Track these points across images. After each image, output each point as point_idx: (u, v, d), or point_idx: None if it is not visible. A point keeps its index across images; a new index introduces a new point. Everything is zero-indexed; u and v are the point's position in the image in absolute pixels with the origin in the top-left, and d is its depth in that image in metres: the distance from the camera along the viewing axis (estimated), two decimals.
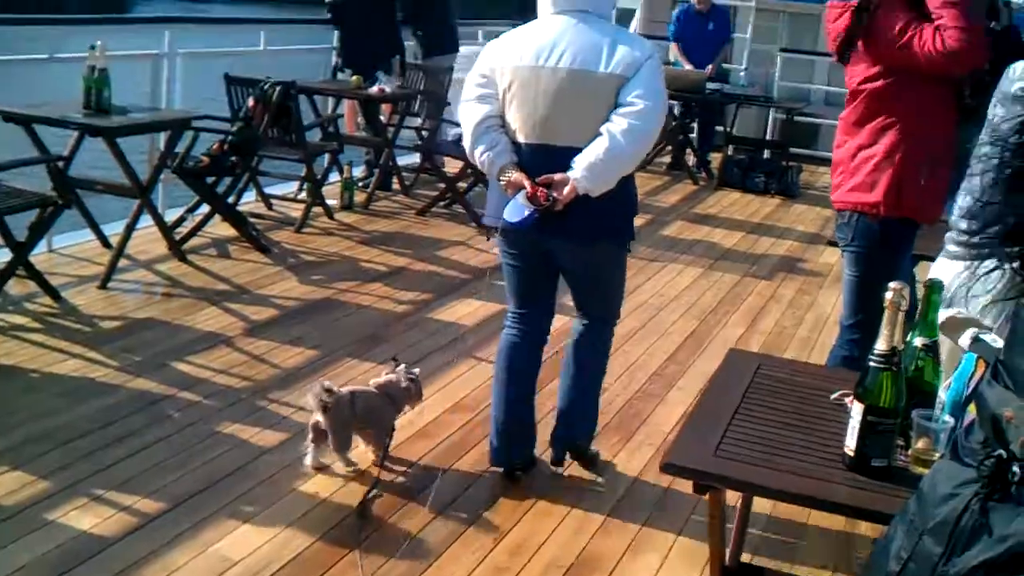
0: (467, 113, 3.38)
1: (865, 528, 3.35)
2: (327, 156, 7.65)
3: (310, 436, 3.58)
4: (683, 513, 3.48)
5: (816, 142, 10.99)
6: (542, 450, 3.81)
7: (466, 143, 3.43)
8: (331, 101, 8.14)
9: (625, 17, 14.08)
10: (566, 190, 3.18)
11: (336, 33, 8.40)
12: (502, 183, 3.31)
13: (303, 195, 7.17)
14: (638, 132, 3.17)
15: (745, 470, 2.12)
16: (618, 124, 3.16)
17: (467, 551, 3.22)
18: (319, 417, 3.51)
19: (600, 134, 3.18)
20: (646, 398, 4.53)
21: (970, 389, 2.10)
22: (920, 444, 2.11)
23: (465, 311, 5.43)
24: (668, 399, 4.55)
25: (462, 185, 7.52)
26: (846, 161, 3.52)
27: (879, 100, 3.37)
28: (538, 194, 3.19)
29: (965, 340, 2.46)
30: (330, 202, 7.21)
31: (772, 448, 2.20)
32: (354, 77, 7.58)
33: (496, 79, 3.33)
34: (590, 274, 3.62)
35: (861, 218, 3.46)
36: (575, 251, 3.47)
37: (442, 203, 7.57)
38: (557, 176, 3.20)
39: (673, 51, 10.37)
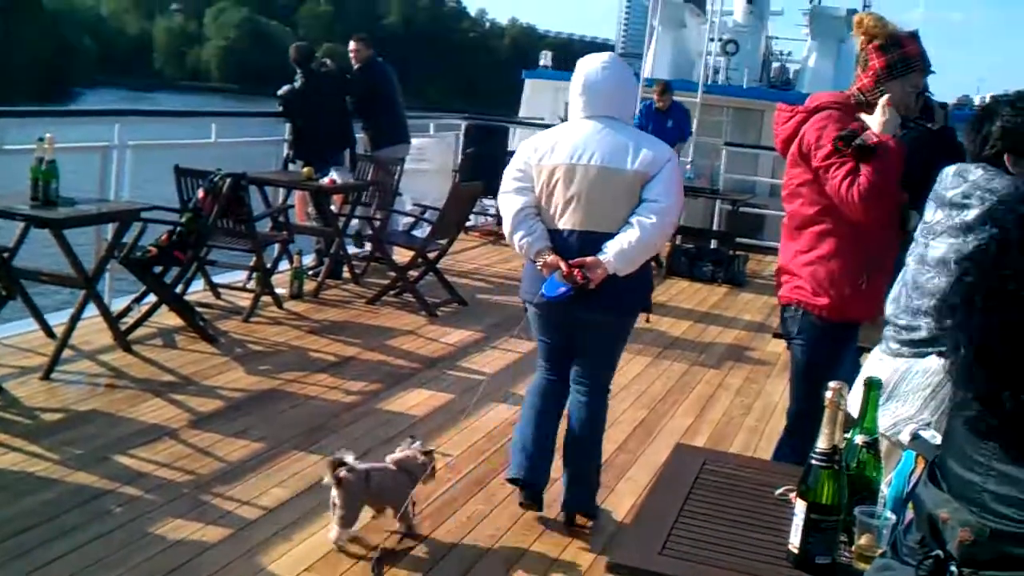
0: (507, 203, 3.90)
1: None
2: (277, 245, 7.66)
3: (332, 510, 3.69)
4: None
5: (762, 232, 11.23)
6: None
7: (506, 229, 3.93)
8: (282, 192, 8.17)
9: None
10: (599, 271, 3.71)
11: (288, 125, 8.47)
12: (539, 264, 3.83)
13: (252, 284, 7.14)
14: (660, 225, 3.75)
15: (691, 569, 2.11)
16: (645, 217, 3.71)
17: None
18: (333, 491, 3.64)
19: (630, 224, 3.73)
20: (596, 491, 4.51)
21: (911, 485, 2.12)
22: (863, 540, 2.12)
23: (415, 401, 5.41)
24: (618, 490, 4.53)
25: (413, 274, 7.55)
26: (788, 263, 3.62)
27: (816, 205, 3.46)
28: (574, 273, 3.70)
29: (905, 437, 2.50)
30: (279, 291, 7.20)
31: (718, 546, 2.20)
32: (305, 168, 7.64)
33: (532, 173, 3.86)
34: (608, 344, 4.14)
35: (806, 314, 3.53)
36: (602, 322, 3.96)
37: (392, 292, 7.58)
38: (589, 259, 3.72)
39: None
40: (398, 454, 3.88)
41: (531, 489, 4.06)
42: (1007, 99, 2.63)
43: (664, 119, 10.45)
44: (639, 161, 3.74)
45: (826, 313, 3.46)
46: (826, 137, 3.31)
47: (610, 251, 3.71)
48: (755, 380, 6.50)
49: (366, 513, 3.84)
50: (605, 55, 4.04)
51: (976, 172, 2.58)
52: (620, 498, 4.42)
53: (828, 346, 3.52)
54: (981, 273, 1.51)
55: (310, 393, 5.41)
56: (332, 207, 8.10)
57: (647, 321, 4.20)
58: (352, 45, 8.63)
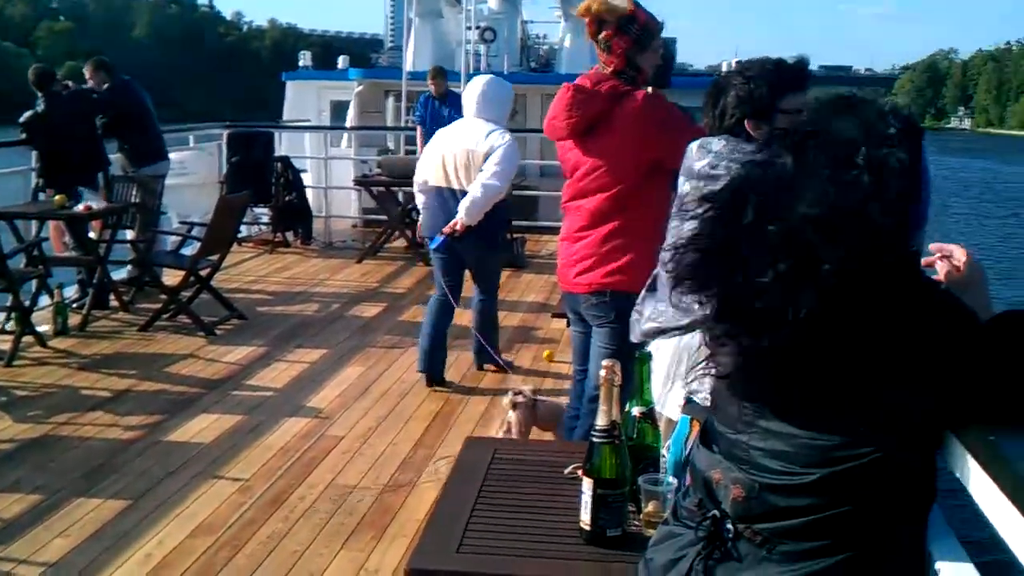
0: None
1: None
2: (34, 281, 7.15)
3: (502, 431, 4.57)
4: None
5: (536, 213, 11.44)
6: None
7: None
8: (35, 224, 7.64)
9: (341, 108, 14.25)
10: (458, 225, 5.49)
11: (34, 153, 7.95)
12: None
13: (11, 325, 6.65)
14: (490, 186, 5.46)
15: (489, 562, 2.10)
16: (478, 181, 5.47)
17: None
18: (510, 413, 4.54)
19: (471, 189, 5.47)
20: (396, 489, 4.47)
21: (688, 449, 2.19)
22: (650, 508, 2.17)
23: (200, 427, 5.19)
24: (419, 486, 4.51)
25: (185, 294, 7.24)
26: (595, 247, 3.71)
27: (615, 192, 3.62)
28: (444, 229, 5.57)
29: (679, 402, 2.58)
30: (41, 329, 6.74)
31: (515, 534, 2.20)
32: (57, 197, 7.19)
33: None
34: (483, 267, 5.98)
35: (617, 297, 3.58)
36: (470, 254, 5.74)
37: (166, 315, 7.25)
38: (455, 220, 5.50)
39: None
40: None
41: (431, 375, 5.95)
42: (735, 71, 2.75)
43: (441, 107, 10.47)
44: (484, 143, 5.49)
45: (635, 288, 3.52)
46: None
47: (461, 210, 5.47)
48: (541, 358, 6.61)
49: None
50: (487, 77, 5.93)
51: (718, 143, 2.68)
52: (421, 495, 4.40)
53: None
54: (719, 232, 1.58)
55: (86, 434, 5.09)
56: (91, 234, 7.66)
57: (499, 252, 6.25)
58: (87, 71, 8.24)
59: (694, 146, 2.75)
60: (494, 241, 5.91)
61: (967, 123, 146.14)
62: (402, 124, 12.59)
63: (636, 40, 3.53)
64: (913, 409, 1.46)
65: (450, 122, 10.43)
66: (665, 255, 2.50)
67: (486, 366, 6.29)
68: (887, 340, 1.45)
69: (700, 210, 1.61)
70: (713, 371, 1.67)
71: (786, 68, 2.70)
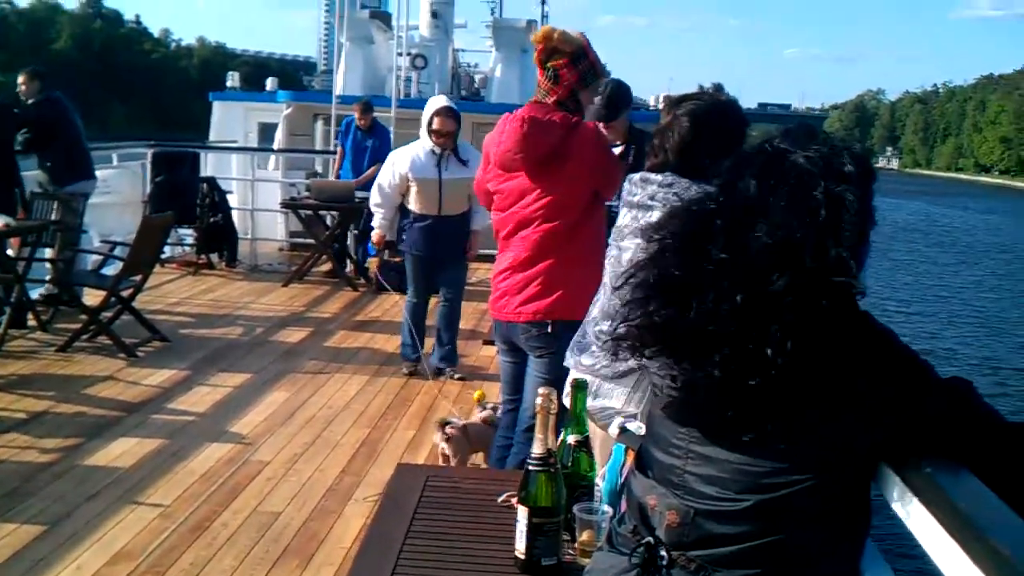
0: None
1: None
2: None
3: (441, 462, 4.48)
4: None
5: None
6: None
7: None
8: None
9: (269, 130, 14.13)
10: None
11: None
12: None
13: None
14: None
15: None
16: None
17: None
18: (443, 445, 4.48)
19: None
20: (323, 516, 4.41)
21: (623, 478, 2.21)
22: (584, 536, 2.19)
23: (120, 451, 5.06)
24: (345, 514, 4.46)
25: (107, 315, 7.08)
26: (541, 276, 3.74)
27: (564, 222, 3.68)
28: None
29: (613, 430, 2.60)
30: None
31: (448, 564, 2.20)
32: None
33: None
34: (458, 270, 6.64)
35: (562, 326, 3.59)
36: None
37: (85, 336, 7.07)
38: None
39: (337, 156, 10.86)
40: (483, 414, 4.78)
41: (411, 362, 6.73)
42: (683, 113, 2.76)
43: (365, 138, 10.48)
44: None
45: (577, 317, 3.55)
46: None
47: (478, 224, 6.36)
48: (471, 386, 6.60)
49: None
50: (442, 98, 6.44)
51: (656, 177, 2.72)
52: (348, 522, 4.35)
53: None
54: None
55: (0, 456, 4.93)
56: (9, 251, 7.45)
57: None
58: (21, 79, 8.03)
59: (636, 178, 2.79)
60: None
61: (895, 163, 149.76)
62: (331, 148, 12.52)
63: (582, 76, 3.64)
64: (847, 441, 1.49)
65: (373, 153, 10.55)
66: (613, 294, 2.54)
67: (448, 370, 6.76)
68: (827, 373, 1.48)
69: (657, 236, 1.63)
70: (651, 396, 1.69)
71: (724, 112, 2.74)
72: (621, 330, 1.65)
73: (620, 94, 5.03)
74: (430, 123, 6.05)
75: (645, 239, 1.70)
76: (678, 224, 1.63)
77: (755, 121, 2.89)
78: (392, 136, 11.49)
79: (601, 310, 2.88)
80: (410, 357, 6.76)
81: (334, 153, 12.09)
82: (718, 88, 2.83)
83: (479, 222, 6.30)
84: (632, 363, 2.70)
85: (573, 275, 3.63)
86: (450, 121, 6.07)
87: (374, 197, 6.51)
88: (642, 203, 2.73)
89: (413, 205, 6.31)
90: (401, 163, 6.27)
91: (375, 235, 6.69)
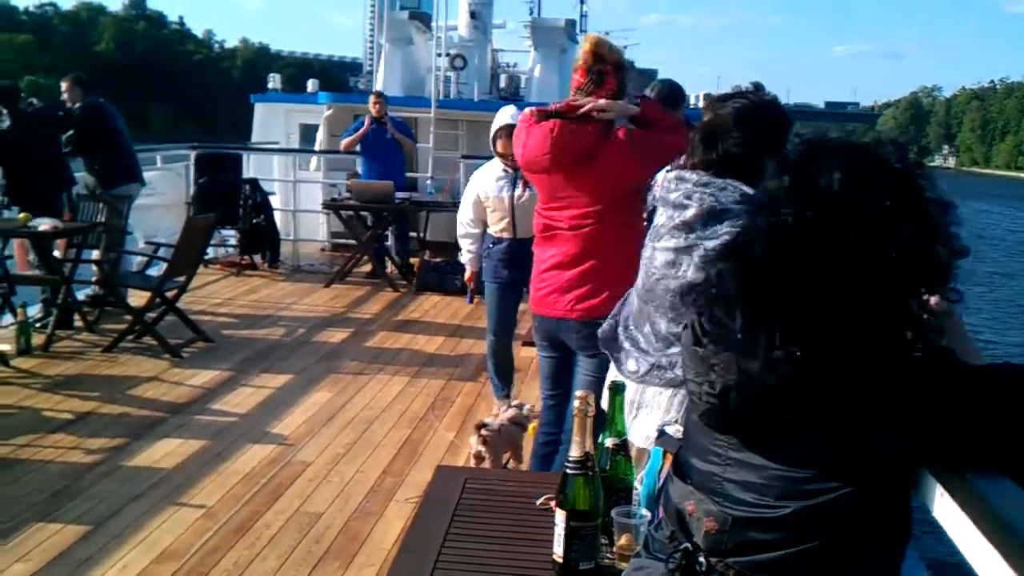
0: None
1: None
2: None
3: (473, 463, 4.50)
4: None
5: None
6: None
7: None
8: None
9: (310, 132, 14.23)
10: None
11: None
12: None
13: None
14: None
15: None
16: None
17: None
18: (480, 447, 4.48)
19: None
20: (364, 517, 4.44)
21: (661, 482, 2.20)
22: (623, 540, 2.18)
23: (164, 452, 5.12)
24: (386, 515, 4.48)
25: (151, 316, 7.17)
26: (591, 275, 3.75)
27: (604, 223, 3.68)
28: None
29: (643, 431, 2.59)
30: (4, 348, 6.66)
31: (486, 565, 2.20)
32: (22, 214, 7.11)
33: None
34: None
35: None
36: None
37: (131, 337, 7.17)
38: None
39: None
40: (510, 412, 4.76)
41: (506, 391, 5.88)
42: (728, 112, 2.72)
43: (383, 131, 10.52)
44: None
45: None
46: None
47: None
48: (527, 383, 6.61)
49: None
50: (507, 112, 5.51)
51: (692, 176, 2.70)
52: (389, 523, 4.37)
53: None
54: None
55: (47, 457, 5.01)
56: (56, 253, 7.58)
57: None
58: (64, 86, 8.16)
59: (671, 176, 2.77)
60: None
61: (951, 162, 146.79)
62: (357, 148, 12.57)
63: (621, 85, 3.64)
64: (889, 447, 1.47)
65: (390, 147, 10.56)
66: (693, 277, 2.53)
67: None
68: (872, 379, 1.46)
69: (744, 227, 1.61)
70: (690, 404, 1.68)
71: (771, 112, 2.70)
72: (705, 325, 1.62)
73: (673, 91, 5.05)
74: (494, 144, 5.62)
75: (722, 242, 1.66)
76: (764, 217, 1.58)
77: (822, 120, 2.83)
78: (431, 137, 11.53)
79: (639, 313, 2.86)
80: (500, 395, 5.91)
81: (361, 154, 12.16)
82: (758, 87, 2.80)
83: None
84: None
85: (624, 274, 3.61)
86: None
87: (459, 228, 5.94)
88: (678, 202, 2.71)
89: (491, 228, 5.75)
90: (474, 185, 5.83)
91: (468, 273, 6.10)
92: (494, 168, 5.70)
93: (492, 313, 5.86)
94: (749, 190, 2.53)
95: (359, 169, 10.98)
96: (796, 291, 1.50)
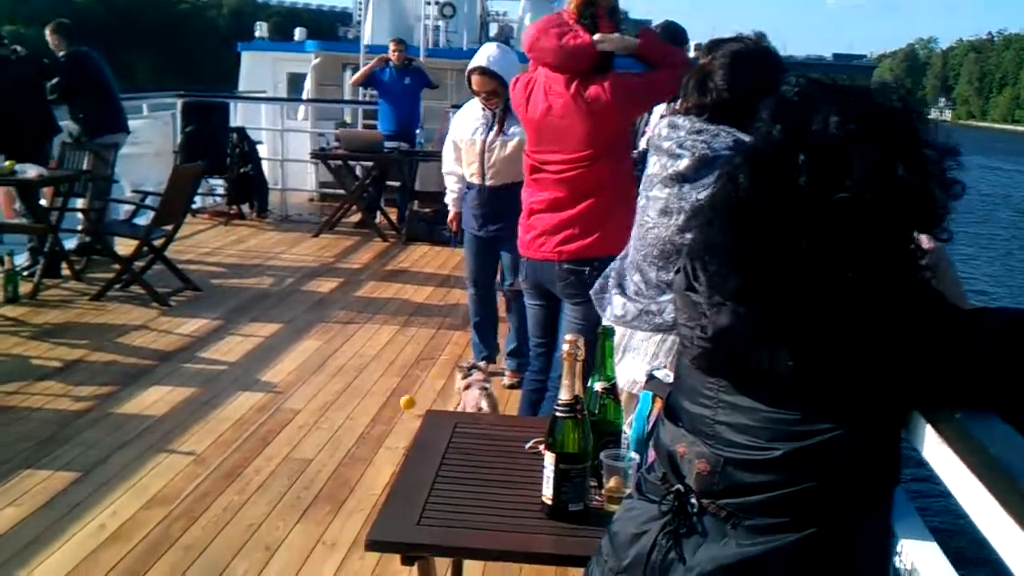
0: None
1: (577, 570, 3.45)
2: None
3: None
4: None
5: None
6: None
7: None
8: None
9: (298, 81, 14.09)
10: None
11: None
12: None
13: None
14: None
15: (450, 535, 2.11)
16: None
17: None
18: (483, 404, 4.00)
19: None
20: (353, 464, 4.46)
21: (650, 425, 2.21)
22: (611, 483, 2.19)
23: (153, 399, 5.12)
24: (376, 461, 4.50)
25: (139, 264, 7.14)
26: (579, 217, 3.71)
27: (600, 164, 3.64)
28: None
29: (638, 378, 2.59)
30: None
31: (476, 508, 2.21)
32: (7, 162, 7.03)
33: None
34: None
35: (599, 267, 3.55)
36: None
37: (118, 285, 7.14)
38: None
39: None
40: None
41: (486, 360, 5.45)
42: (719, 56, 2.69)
43: (402, 75, 10.46)
44: None
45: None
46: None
47: None
48: (499, 335, 6.61)
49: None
50: (487, 50, 5.09)
51: (685, 123, 2.68)
52: (379, 469, 4.39)
53: None
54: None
55: (35, 404, 5.01)
56: (42, 200, 7.52)
57: None
58: (49, 34, 8.03)
59: (664, 124, 2.75)
60: None
61: (948, 114, 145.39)
62: (360, 98, 12.48)
63: (615, 29, 3.61)
64: (880, 389, 1.47)
65: (408, 91, 10.49)
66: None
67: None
68: (862, 322, 1.45)
69: (731, 169, 1.58)
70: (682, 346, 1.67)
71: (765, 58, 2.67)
72: (709, 267, 1.60)
73: (675, 31, 4.97)
74: (469, 82, 5.20)
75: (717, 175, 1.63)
76: (753, 156, 1.56)
77: (833, 72, 2.77)
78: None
79: (631, 261, 2.85)
80: (480, 356, 5.69)
81: (363, 103, 12.05)
82: (760, 36, 2.76)
83: None
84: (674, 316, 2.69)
85: (612, 215, 3.61)
86: (487, 80, 5.07)
87: (444, 164, 5.72)
88: (671, 151, 2.69)
89: (464, 172, 5.47)
90: (453, 125, 5.55)
91: (450, 214, 5.86)
92: (473, 110, 5.37)
93: (467, 262, 5.70)
94: (744, 136, 2.51)
95: (377, 112, 10.87)
96: (783, 237, 1.48)
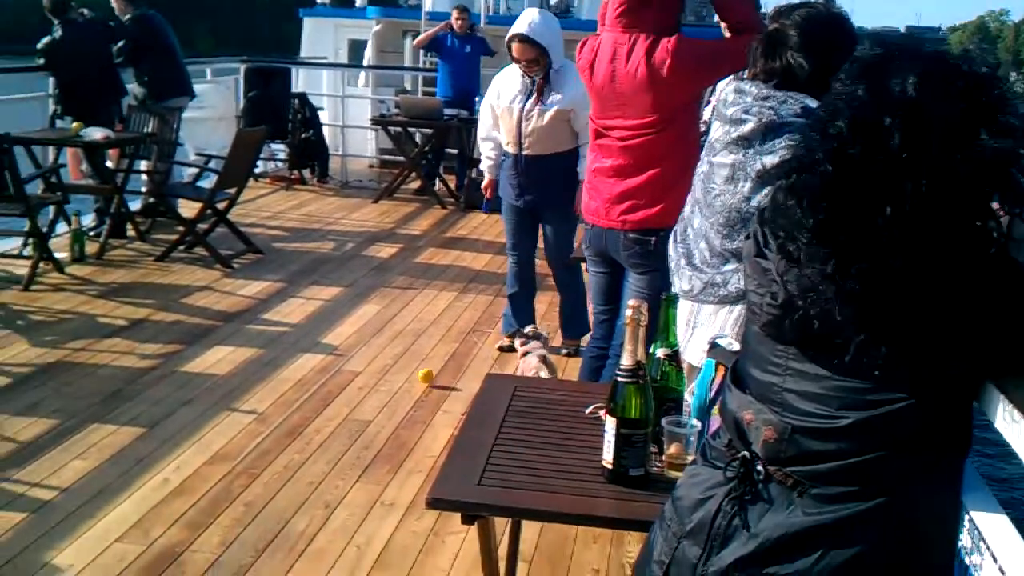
0: None
1: (634, 532, 3.46)
2: (52, 207, 7.17)
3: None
4: (458, 537, 3.48)
5: None
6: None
7: None
8: (52, 150, 7.63)
9: (358, 47, 14.13)
10: None
11: (51, 79, 7.91)
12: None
13: (28, 251, 6.68)
14: None
15: (509, 496, 2.12)
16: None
17: None
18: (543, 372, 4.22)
19: None
20: (412, 426, 4.50)
21: (712, 392, 2.20)
22: (672, 449, 2.19)
23: (216, 358, 5.21)
24: (434, 424, 4.54)
25: (202, 226, 7.24)
26: (644, 187, 3.68)
27: (665, 133, 3.60)
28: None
29: (700, 348, 2.58)
30: (59, 255, 6.77)
31: (535, 470, 2.22)
32: (74, 124, 7.16)
33: None
34: None
35: (664, 241, 3.53)
36: None
37: (182, 247, 7.26)
38: None
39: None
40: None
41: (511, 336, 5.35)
42: (786, 18, 2.64)
43: (463, 44, 10.44)
44: None
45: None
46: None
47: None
48: (557, 304, 6.61)
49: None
50: (528, 16, 4.97)
51: (752, 89, 2.63)
52: (436, 432, 4.43)
53: None
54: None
55: (102, 360, 5.12)
56: (108, 162, 7.65)
57: None
58: (114, 1, 8.12)
59: (730, 88, 2.71)
60: None
61: (1019, 88, 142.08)
62: (420, 64, 12.48)
63: (684, 3, 3.61)
64: (955, 360, 1.44)
65: (469, 59, 10.47)
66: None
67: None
68: (941, 292, 1.42)
69: (816, 129, 1.55)
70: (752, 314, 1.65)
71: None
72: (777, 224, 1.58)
73: None
74: (509, 49, 5.05)
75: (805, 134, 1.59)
76: (848, 114, 1.52)
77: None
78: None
79: (697, 231, 2.82)
80: (509, 330, 5.56)
81: (423, 70, 12.05)
82: (830, 1, 2.69)
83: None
84: (739, 285, 2.66)
85: (678, 186, 3.56)
86: (528, 48, 4.94)
87: (480, 130, 5.63)
88: (735, 117, 2.65)
89: (501, 139, 5.35)
90: (491, 89, 5.39)
91: (485, 180, 5.77)
92: (512, 76, 5.21)
93: (507, 232, 5.59)
94: (812, 102, 2.46)
95: (437, 79, 10.87)
96: (866, 202, 1.45)
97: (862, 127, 1.47)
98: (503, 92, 5.24)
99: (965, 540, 1.56)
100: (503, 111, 5.22)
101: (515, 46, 4.97)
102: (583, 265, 4.60)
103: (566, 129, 5.14)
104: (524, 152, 5.19)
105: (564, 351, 5.59)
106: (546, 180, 5.22)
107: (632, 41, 3.55)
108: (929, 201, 1.41)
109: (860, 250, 1.45)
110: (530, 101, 5.11)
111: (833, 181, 1.49)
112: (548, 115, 5.06)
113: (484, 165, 5.68)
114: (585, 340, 5.26)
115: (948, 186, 1.41)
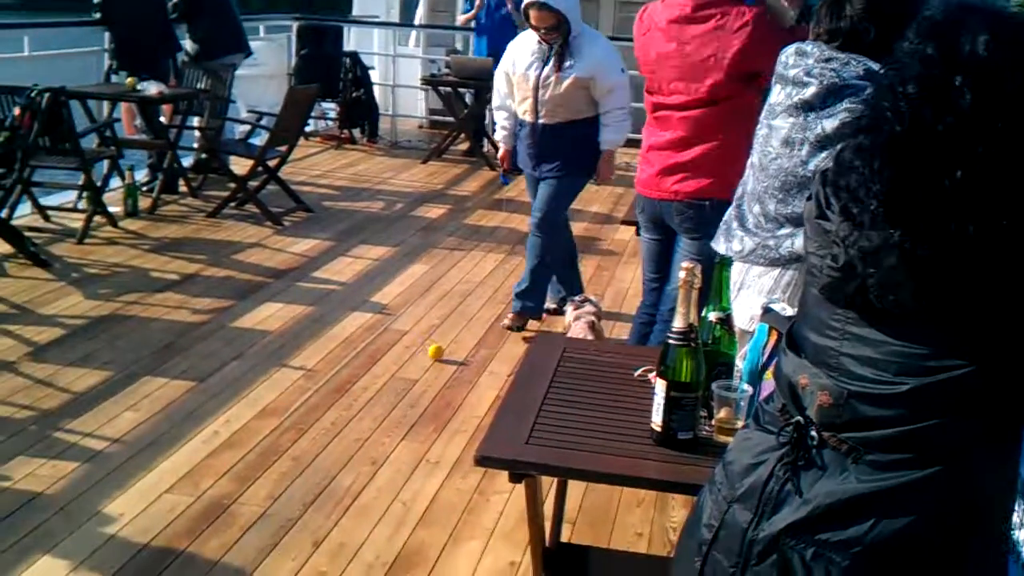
0: None
1: (677, 497, 3.45)
2: (106, 162, 7.25)
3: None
4: (502, 497, 3.50)
5: None
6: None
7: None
8: (106, 105, 7.71)
9: (410, 6, 14.06)
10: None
11: (107, 35, 7.97)
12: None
13: (83, 204, 6.77)
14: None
15: (557, 455, 2.12)
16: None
17: (285, 558, 3.13)
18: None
19: None
20: (458, 386, 4.52)
21: (765, 357, 2.17)
22: (722, 414, 2.16)
23: (266, 314, 5.26)
24: (479, 384, 4.55)
25: (253, 184, 7.28)
26: (699, 158, 3.67)
27: (730, 102, 3.58)
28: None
29: (748, 311, 2.54)
30: (113, 209, 6.85)
31: (582, 431, 2.22)
32: (129, 79, 7.22)
33: None
34: None
35: (718, 207, 3.49)
36: None
37: (233, 203, 7.31)
38: None
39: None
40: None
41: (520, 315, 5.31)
42: None
43: (500, 5, 10.37)
44: None
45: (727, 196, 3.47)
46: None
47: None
48: (606, 268, 6.59)
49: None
50: None
51: (814, 51, 2.58)
52: (482, 392, 4.45)
53: None
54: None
55: (154, 314, 5.20)
56: (162, 118, 7.71)
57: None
58: None
59: (791, 51, 2.65)
60: None
61: None
62: (472, 25, 12.40)
63: None
64: (1017, 329, 1.41)
65: (504, 25, 10.40)
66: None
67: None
68: (1006, 257, 1.39)
69: (886, 88, 1.50)
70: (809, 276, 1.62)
71: None
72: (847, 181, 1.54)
73: None
74: (526, 16, 4.88)
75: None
76: (917, 72, 1.48)
77: None
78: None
79: (751, 193, 2.78)
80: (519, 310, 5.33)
81: (474, 30, 11.98)
82: None
83: (610, 140, 5.04)
84: (791, 248, 2.62)
85: (733, 155, 3.50)
86: (547, 15, 4.77)
87: (493, 99, 5.46)
88: (797, 79, 2.60)
89: (516, 108, 5.16)
90: (506, 56, 5.18)
91: (500, 151, 5.52)
92: (528, 42, 5.02)
93: (532, 203, 5.34)
94: (875, 65, 2.40)
95: (472, 44, 10.85)
96: (936, 165, 1.41)
97: (932, 86, 1.43)
98: (518, 59, 5.05)
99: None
100: (519, 78, 5.03)
101: (533, 13, 4.80)
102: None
103: (584, 97, 4.94)
104: (541, 120, 5.00)
105: (506, 323, 5.33)
106: (564, 148, 5.04)
107: (705, 6, 3.50)
108: (1001, 164, 1.37)
109: (928, 215, 1.41)
110: (547, 68, 4.92)
111: (902, 142, 1.45)
112: (566, 83, 4.88)
113: (499, 135, 5.46)
114: (539, 323, 5.38)
115: (1020, 148, 1.37)
